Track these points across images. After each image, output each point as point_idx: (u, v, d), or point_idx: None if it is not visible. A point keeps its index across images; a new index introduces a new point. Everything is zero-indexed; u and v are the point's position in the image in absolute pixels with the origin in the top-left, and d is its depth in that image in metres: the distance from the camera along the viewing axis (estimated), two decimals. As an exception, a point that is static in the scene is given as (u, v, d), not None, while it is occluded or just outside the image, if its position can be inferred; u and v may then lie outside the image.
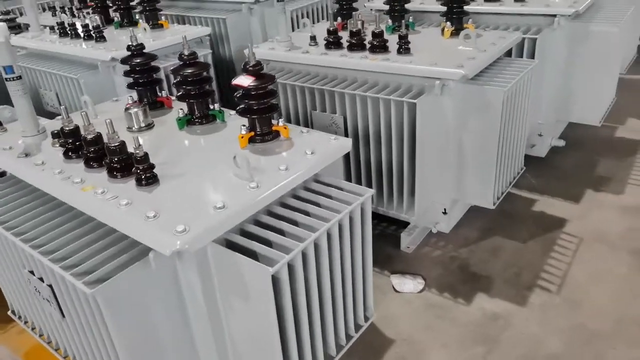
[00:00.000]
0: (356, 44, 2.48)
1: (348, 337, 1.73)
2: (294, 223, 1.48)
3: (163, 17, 3.21)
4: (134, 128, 1.93)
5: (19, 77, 1.82)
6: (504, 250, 2.61)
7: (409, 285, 2.40)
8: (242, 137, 1.71)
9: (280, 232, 1.46)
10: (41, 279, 1.54)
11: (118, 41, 2.98)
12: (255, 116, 1.71)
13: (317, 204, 1.56)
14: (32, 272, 1.57)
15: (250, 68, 1.69)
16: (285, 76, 2.59)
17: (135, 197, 1.45)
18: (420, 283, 2.41)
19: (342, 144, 1.72)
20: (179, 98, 1.93)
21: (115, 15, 3.36)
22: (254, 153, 1.67)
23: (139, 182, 1.52)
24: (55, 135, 1.82)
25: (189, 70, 1.86)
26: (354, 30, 2.49)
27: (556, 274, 2.42)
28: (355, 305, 1.73)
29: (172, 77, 2.77)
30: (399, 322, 2.22)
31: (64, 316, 1.56)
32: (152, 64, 2.11)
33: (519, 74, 2.28)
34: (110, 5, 3.49)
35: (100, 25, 3.04)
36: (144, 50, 2.08)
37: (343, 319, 1.67)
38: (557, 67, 2.95)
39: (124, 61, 2.08)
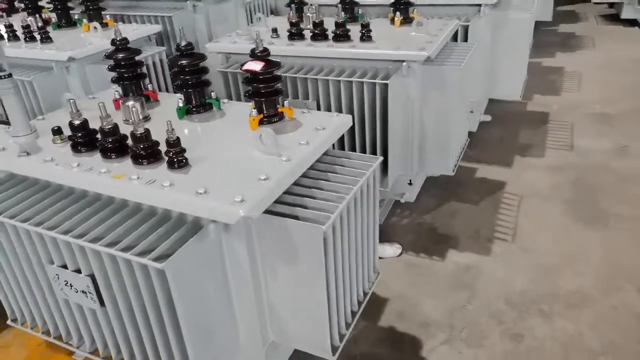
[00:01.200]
0: (320, 34, 2.66)
1: (364, 293, 1.92)
2: (320, 189, 1.64)
3: (108, 16, 3.15)
4: (131, 121, 1.94)
5: (10, 75, 1.77)
6: (461, 212, 2.94)
7: (388, 251, 2.64)
8: (253, 120, 1.82)
9: (312, 197, 1.60)
10: (78, 271, 1.54)
11: (65, 42, 2.89)
12: (263, 99, 1.84)
13: (335, 172, 1.73)
14: (64, 267, 1.57)
15: (259, 54, 1.81)
16: (252, 67, 2.69)
17: (174, 179, 1.51)
18: (398, 248, 2.65)
19: (345, 120, 1.89)
20: (177, 88, 1.98)
21: (51, 17, 3.22)
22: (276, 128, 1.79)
23: (171, 165, 1.57)
24: (56, 131, 1.79)
25: (187, 61, 1.93)
26: (317, 21, 2.66)
27: (508, 226, 2.80)
28: (368, 263, 1.92)
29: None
30: (388, 283, 2.44)
31: (103, 305, 1.57)
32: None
33: (467, 54, 2.61)
34: (44, 6, 3.35)
35: (44, 26, 2.92)
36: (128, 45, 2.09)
37: (362, 276, 1.86)
38: (484, 50, 3.35)
39: (108, 56, 2.07)
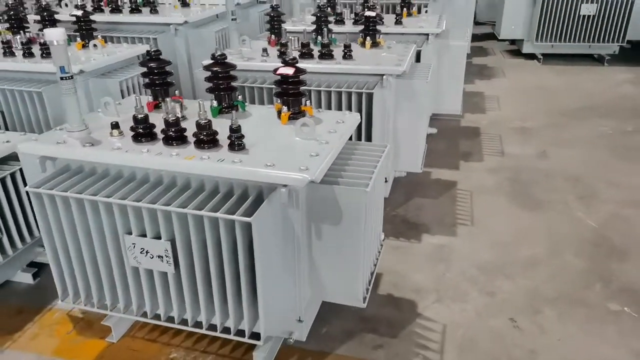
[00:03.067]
0: (307, 53, 3.09)
1: (376, 258, 2.31)
2: (348, 166, 2.04)
3: (99, 36, 3.36)
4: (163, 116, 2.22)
5: (72, 77, 2.00)
6: (426, 205, 3.44)
7: (373, 237, 3.05)
8: (285, 115, 2.19)
9: (344, 171, 1.99)
10: (157, 238, 1.80)
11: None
12: (291, 98, 2.21)
13: (355, 155, 2.13)
14: (142, 236, 1.82)
15: (290, 61, 2.20)
16: (248, 81, 3.05)
17: (240, 158, 1.83)
18: (381, 234, 3.07)
19: (356, 117, 2.31)
20: (210, 90, 2.30)
21: (34, 34, 3.37)
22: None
23: (232, 148, 1.89)
24: (114, 126, 2.04)
25: (221, 68, 2.26)
26: (304, 42, 3.10)
27: (466, 214, 3.34)
28: (378, 233, 2.32)
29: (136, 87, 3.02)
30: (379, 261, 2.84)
31: (177, 267, 1.83)
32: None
33: (429, 71, 3.16)
34: (28, 25, 3.49)
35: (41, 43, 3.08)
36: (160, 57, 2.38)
37: (376, 241, 2.25)
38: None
39: (143, 64, 2.35)
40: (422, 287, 2.65)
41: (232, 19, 3.12)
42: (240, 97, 2.37)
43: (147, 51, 2.35)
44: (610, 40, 6.96)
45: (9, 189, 2.42)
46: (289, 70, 2.17)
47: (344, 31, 3.65)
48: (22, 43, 3.03)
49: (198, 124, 1.90)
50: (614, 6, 6.75)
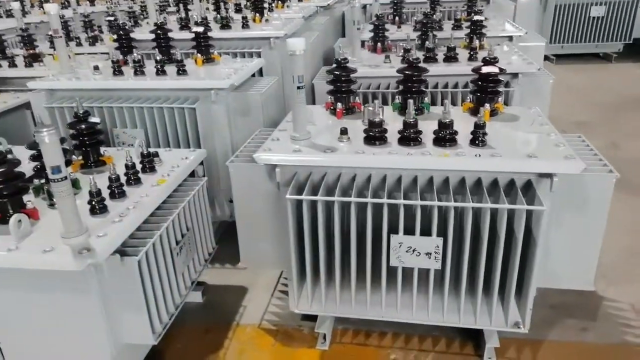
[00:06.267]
0: (431, 58, 3.16)
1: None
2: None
3: (215, 52, 3.34)
4: (364, 121, 2.26)
5: (304, 86, 2.02)
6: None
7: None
8: (487, 111, 2.25)
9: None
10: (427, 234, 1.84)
11: (199, 73, 3.04)
12: (490, 95, 2.30)
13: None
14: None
15: (491, 60, 2.29)
16: (371, 87, 3.08)
17: (494, 152, 1.89)
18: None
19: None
20: (400, 93, 2.37)
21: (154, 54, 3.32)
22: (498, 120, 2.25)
23: (474, 143, 1.96)
24: (343, 131, 2.07)
25: (414, 71, 2.33)
26: (429, 47, 3.19)
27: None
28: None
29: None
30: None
31: (444, 261, 1.87)
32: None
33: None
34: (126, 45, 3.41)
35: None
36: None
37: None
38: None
39: (329, 72, 2.39)
40: (587, 273, 2.76)
41: (357, 29, 3.19)
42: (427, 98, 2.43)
43: (336, 59, 2.39)
44: (618, 39, 7.42)
45: (194, 205, 2.38)
46: (494, 69, 2.26)
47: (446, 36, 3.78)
48: (158, 61, 2.99)
49: (441, 123, 1.96)
50: (621, 6, 7.21)
